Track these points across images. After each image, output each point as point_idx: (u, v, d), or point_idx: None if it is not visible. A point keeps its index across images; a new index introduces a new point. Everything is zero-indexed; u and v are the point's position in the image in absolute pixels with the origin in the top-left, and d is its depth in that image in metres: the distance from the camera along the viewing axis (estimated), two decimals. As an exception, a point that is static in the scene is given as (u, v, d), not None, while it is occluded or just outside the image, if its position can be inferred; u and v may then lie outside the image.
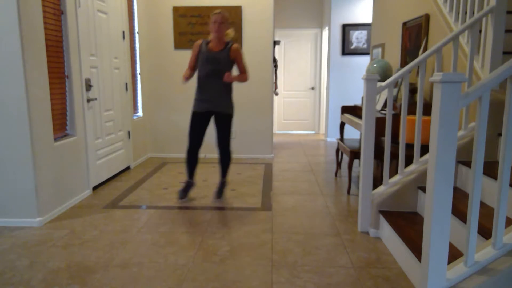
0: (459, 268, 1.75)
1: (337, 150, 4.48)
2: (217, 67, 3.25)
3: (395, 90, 3.73)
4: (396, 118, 3.36)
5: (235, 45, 3.31)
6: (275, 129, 7.84)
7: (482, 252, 1.78)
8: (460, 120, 2.86)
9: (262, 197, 3.66)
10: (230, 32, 3.36)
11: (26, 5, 2.78)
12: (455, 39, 2.63)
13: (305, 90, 7.67)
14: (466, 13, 3.18)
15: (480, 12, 2.62)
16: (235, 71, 4.59)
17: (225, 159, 3.50)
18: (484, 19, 2.73)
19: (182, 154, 5.45)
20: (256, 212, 3.27)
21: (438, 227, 1.67)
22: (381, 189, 2.80)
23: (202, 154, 5.43)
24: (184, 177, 4.33)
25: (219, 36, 3.26)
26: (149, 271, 2.27)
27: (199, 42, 3.36)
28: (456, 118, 1.61)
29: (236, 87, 5.30)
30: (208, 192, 3.81)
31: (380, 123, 3.35)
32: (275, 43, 5.50)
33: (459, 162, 2.62)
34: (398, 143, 3.45)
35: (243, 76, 3.38)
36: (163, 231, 2.85)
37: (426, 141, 3.00)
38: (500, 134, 2.58)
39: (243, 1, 5.11)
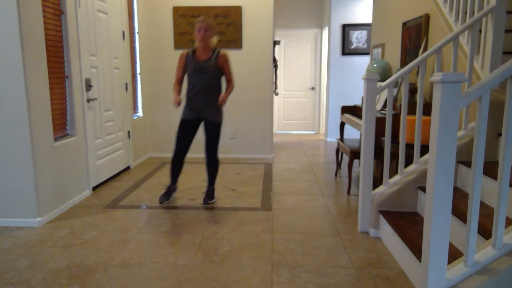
0: (459, 268, 1.75)
1: (337, 150, 4.48)
2: (206, 76, 3.25)
3: (395, 90, 3.73)
4: (396, 118, 3.37)
5: (222, 52, 3.29)
6: (275, 129, 7.84)
7: (482, 252, 1.78)
8: (460, 120, 2.86)
9: (262, 197, 3.66)
10: (214, 39, 3.32)
11: (26, 5, 2.78)
12: (455, 39, 2.63)
13: (305, 90, 7.67)
14: (466, 13, 3.18)
15: (480, 12, 2.62)
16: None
17: (212, 165, 3.46)
18: (484, 19, 2.73)
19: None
20: (256, 212, 3.27)
21: (438, 227, 1.67)
22: (381, 189, 2.80)
23: (202, 154, 5.44)
24: (184, 177, 4.33)
25: (204, 44, 3.24)
26: (149, 271, 2.27)
27: (184, 52, 3.32)
28: (456, 118, 1.61)
29: (236, 87, 5.30)
30: (208, 192, 3.81)
31: (380, 123, 3.35)
32: (275, 43, 5.50)
33: (459, 162, 2.62)
34: (398, 143, 3.44)
35: (230, 87, 3.37)
36: (163, 231, 2.85)
37: (426, 141, 3.01)
38: (500, 134, 2.58)
39: (243, 1, 5.11)
